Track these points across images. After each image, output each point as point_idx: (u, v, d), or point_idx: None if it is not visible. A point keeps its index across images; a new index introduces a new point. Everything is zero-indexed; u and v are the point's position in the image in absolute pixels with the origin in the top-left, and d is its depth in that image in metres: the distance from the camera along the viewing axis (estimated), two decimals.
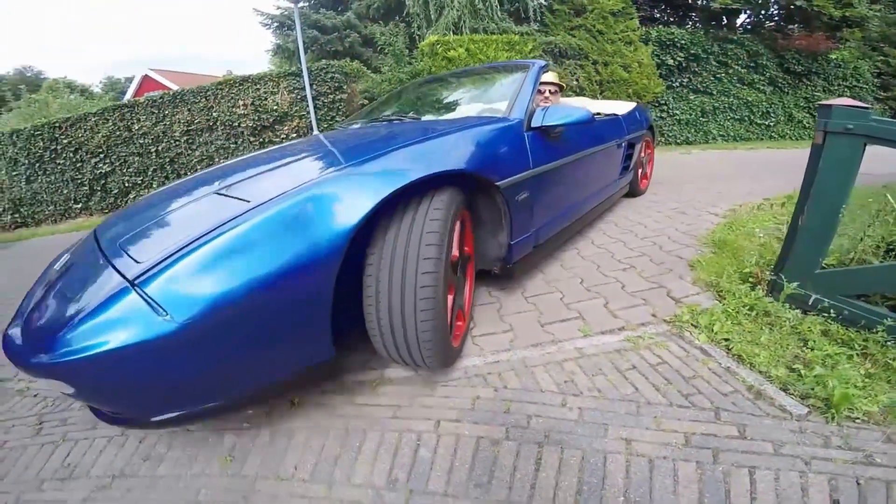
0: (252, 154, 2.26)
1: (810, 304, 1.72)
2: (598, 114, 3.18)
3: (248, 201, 1.16)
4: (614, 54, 7.36)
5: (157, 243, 1.14)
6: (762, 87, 8.40)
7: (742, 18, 9.33)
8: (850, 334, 1.57)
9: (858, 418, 1.24)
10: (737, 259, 2.25)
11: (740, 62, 8.14)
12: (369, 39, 8.44)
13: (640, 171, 3.82)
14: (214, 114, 7.22)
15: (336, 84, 6.82)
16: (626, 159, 3.34)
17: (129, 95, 19.36)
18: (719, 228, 2.87)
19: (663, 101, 7.94)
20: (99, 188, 7.87)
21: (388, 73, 6.75)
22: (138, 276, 0.99)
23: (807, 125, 8.52)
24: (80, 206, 7.98)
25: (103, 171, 7.73)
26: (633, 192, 3.82)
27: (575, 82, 7.35)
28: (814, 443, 1.18)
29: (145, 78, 19.20)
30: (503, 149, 1.78)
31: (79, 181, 7.84)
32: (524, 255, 1.98)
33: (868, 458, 1.11)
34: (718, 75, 8.19)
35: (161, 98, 7.40)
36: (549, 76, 3.01)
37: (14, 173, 8.05)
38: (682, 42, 7.77)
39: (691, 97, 8.13)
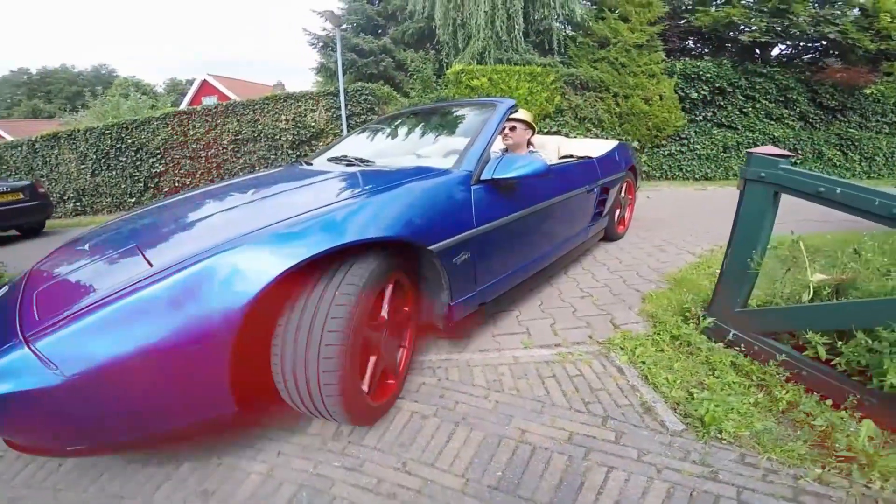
0: (192, 193, 2.22)
1: (730, 338, 1.90)
2: (571, 156, 3.10)
3: (152, 265, 1.22)
4: (636, 87, 7.53)
5: (62, 299, 1.24)
6: (791, 123, 8.28)
7: (777, 51, 9.24)
8: (754, 367, 1.74)
9: (725, 439, 1.41)
10: (685, 296, 2.43)
11: (769, 96, 8.08)
12: (402, 64, 9.00)
13: (617, 214, 3.67)
14: (259, 126, 7.91)
15: (368, 105, 7.36)
16: (600, 204, 3.17)
17: (188, 98, 21.06)
18: (688, 267, 3.03)
19: (684, 135, 7.99)
20: (152, 185, 8.73)
21: (415, 97, 7.21)
22: (33, 333, 1.09)
23: (837, 163, 8.29)
24: (133, 200, 8.86)
25: (158, 171, 8.60)
26: (610, 236, 3.65)
27: (594, 114, 7.56)
28: (673, 455, 1.37)
29: (203, 82, 20.82)
30: (441, 207, 1.68)
31: (136, 178, 8.74)
32: (469, 313, 1.89)
33: (713, 473, 1.28)
34: (745, 109, 8.16)
35: (215, 108, 8.20)
36: (521, 114, 2.84)
37: (82, 166, 9.06)
38: (708, 75, 7.83)
39: (714, 131, 8.13)
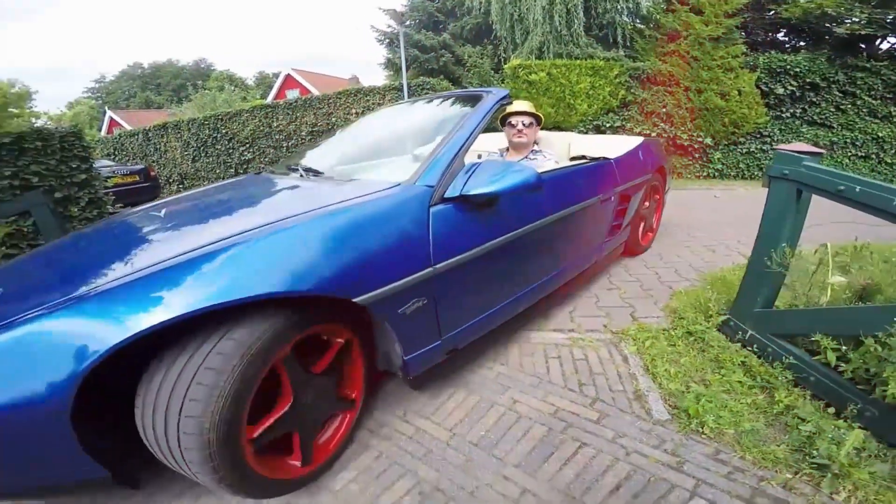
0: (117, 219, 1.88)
1: (746, 339, 1.86)
2: (583, 157, 2.55)
3: None
4: (710, 81, 7.03)
5: None
6: None
7: (888, 45, 8.12)
8: (762, 368, 1.71)
9: (705, 434, 1.42)
10: (712, 295, 2.36)
11: (873, 92, 7.15)
12: (461, 59, 9.17)
13: (642, 224, 3.13)
14: (333, 118, 8.51)
15: None
16: (619, 216, 2.66)
17: (274, 91, 22.90)
18: (731, 269, 2.88)
19: (766, 133, 7.33)
20: (242, 172, 9.75)
21: None
22: None
23: None
24: None
25: (247, 158, 9.59)
26: (631, 250, 3.12)
27: (663, 109, 7.20)
28: (647, 442, 1.41)
29: (287, 77, 22.49)
30: (378, 242, 1.26)
31: (228, 164, 9.82)
32: (433, 364, 1.55)
33: (679, 464, 1.31)
34: (843, 106, 7.29)
35: (295, 102, 8.96)
36: (523, 105, 2.52)
37: (185, 153, 10.33)
38: (797, 69, 7.10)
39: (803, 129, 7.36)
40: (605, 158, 2.51)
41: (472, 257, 1.52)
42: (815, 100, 7.37)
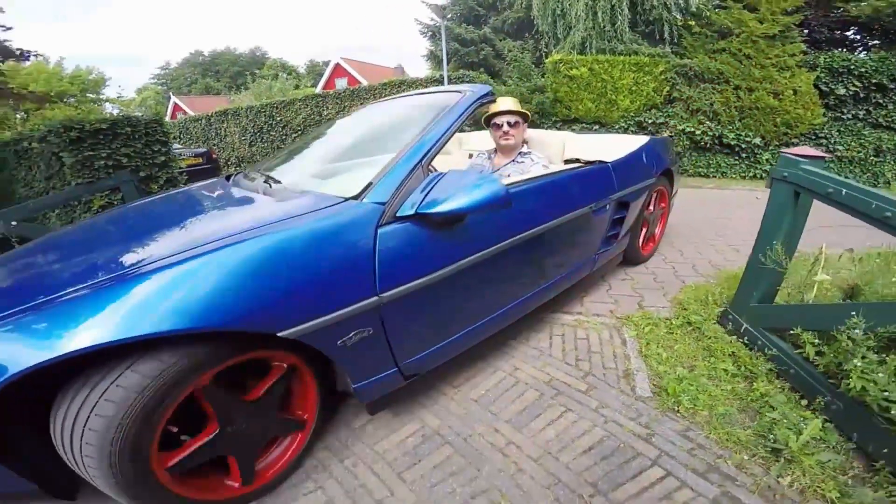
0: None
1: (741, 331, 1.99)
2: (576, 160, 2.37)
3: None
4: (763, 80, 6.75)
5: None
6: None
7: None
8: (748, 359, 1.84)
9: (680, 413, 1.59)
10: (719, 289, 2.46)
11: None
12: (501, 53, 9.24)
13: (644, 231, 2.93)
14: None
15: None
16: (616, 225, 2.46)
17: (324, 79, 23.76)
18: None
19: (823, 135, 6.96)
20: None
21: (511, 86, 7.45)
22: None
23: None
24: None
25: None
26: (632, 258, 2.92)
27: (709, 107, 7.00)
28: (626, 414, 1.60)
29: (336, 66, 23.23)
30: (310, 271, 1.14)
31: (264, 153, 10.44)
32: (393, 389, 1.48)
33: (649, 435, 1.48)
34: None
35: (343, 92, 9.42)
36: (507, 103, 2.28)
37: (242, 138, 11.09)
38: (863, 70, 6.68)
39: (866, 132, 6.93)
40: (601, 162, 2.30)
41: (430, 282, 1.36)
42: (881, 101, 6.91)
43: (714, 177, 7.21)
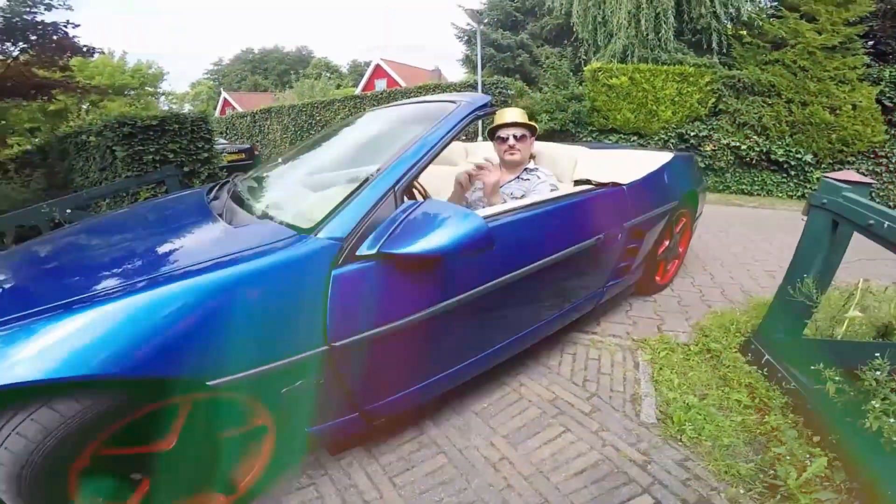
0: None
1: (762, 362, 1.90)
2: (587, 182, 2.07)
3: None
4: (818, 94, 6.35)
5: None
6: None
7: None
8: (764, 391, 1.76)
9: (683, 442, 1.54)
10: (746, 317, 2.34)
11: None
12: (538, 59, 9.13)
13: (666, 259, 2.71)
14: None
15: (502, 98, 7.78)
16: (627, 256, 2.19)
17: (364, 79, 24.36)
18: None
19: (883, 153, 6.48)
20: None
21: (547, 93, 7.36)
22: None
23: None
24: None
25: None
26: (645, 289, 2.70)
27: (757, 120, 6.65)
28: (625, 438, 1.56)
29: (377, 66, 23.71)
30: (246, 316, 1.03)
31: None
32: (356, 432, 1.39)
33: (645, 462, 1.45)
34: None
35: (380, 94, 9.64)
36: (513, 114, 2.05)
37: (284, 135, 11.53)
38: None
39: None
40: (614, 184, 2.05)
41: (397, 329, 1.21)
42: None
43: (758, 195, 6.85)
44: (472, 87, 8.03)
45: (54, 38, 7.90)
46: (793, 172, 6.75)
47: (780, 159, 6.67)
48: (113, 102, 11.89)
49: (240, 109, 24.12)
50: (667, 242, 2.64)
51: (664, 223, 2.42)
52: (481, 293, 1.42)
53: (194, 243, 1.35)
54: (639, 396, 1.79)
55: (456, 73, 25.34)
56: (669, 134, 7.11)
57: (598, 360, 2.06)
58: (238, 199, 1.60)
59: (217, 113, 27.51)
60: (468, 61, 10.97)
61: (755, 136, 6.79)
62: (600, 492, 1.34)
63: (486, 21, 9.78)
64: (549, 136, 7.51)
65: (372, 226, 1.17)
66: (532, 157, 2.24)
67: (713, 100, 6.96)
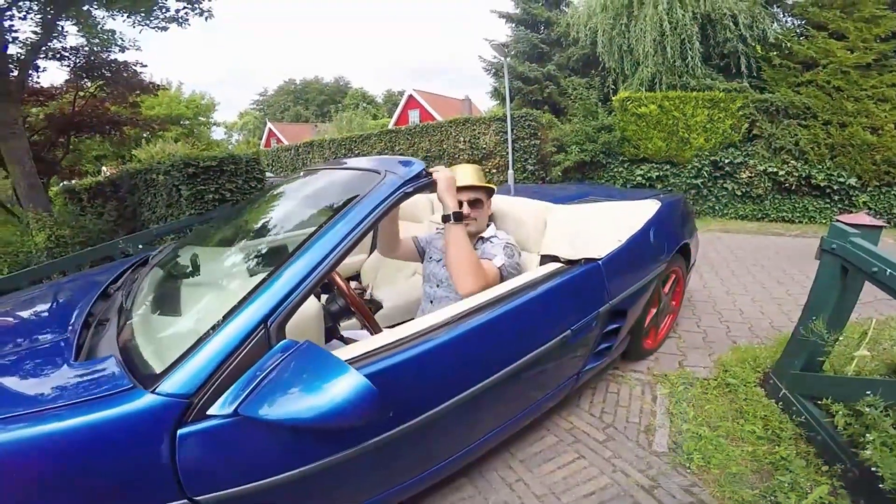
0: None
1: (779, 396, 1.96)
2: (555, 259, 1.75)
3: None
4: (857, 114, 6.18)
5: None
6: None
7: None
8: (778, 423, 1.82)
9: (691, 469, 1.63)
10: (767, 353, 2.38)
11: None
12: (566, 90, 9.33)
13: (650, 323, 2.38)
14: (444, 145, 9.40)
15: (532, 131, 8.03)
16: (608, 337, 1.94)
17: (399, 109, 25.44)
18: None
19: None
20: None
21: (576, 124, 7.53)
22: None
23: None
24: None
25: None
26: (632, 356, 2.39)
27: (793, 144, 6.53)
28: (636, 465, 1.67)
29: (410, 97, 24.69)
30: (57, 487, 0.83)
31: None
32: None
33: (652, 487, 1.55)
34: None
35: (414, 128, 10.12)
36: (465, 174, 1.74)
37: None
38: None
39: None
40: (588, 260, 1.74)
41: (281, 483, 0.98)
42: None
43: (800, 222, 6.64)
44: (501, 120, 8.33)
45: (124, 75, 8.90)
46: (836, 197, 6.54)
47: (822, 184, 6.48)
48: (169, 133, 12.96)
49: (284, 140, 25.74)
50: (654, 310, 2.36)
51: (651, 290, 2.15)
52: (408, 430, 1.15)
53: (34, 379, 1.06)
54: (653, 427, 1.89)
55: (486, 103, 25.94)
56: (703, 161, 7.08)
57: (618, 394, 2.16)
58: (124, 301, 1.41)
59: (262, 143, 29.33)
60: (497, 94, 11.34)
61: (793, 161, 6.65)
62: None
63: (512, 53, 10.11)
64: (579, 167, 7.65)
65: (233, 374, 0.92)
66: (490, 219, 1.90)
67: (746, 125, 6.90)
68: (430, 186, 1.39)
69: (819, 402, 1.76)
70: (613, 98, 7.42)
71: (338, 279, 1.56)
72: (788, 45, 6.86)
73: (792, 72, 6.80)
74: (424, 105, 23.64)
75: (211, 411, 0.89)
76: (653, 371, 2.36)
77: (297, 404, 0.85)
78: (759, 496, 1.47)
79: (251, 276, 1.26)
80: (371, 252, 2.81)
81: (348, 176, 1.57)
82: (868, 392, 1.38)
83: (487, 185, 1.80)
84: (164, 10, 7.53)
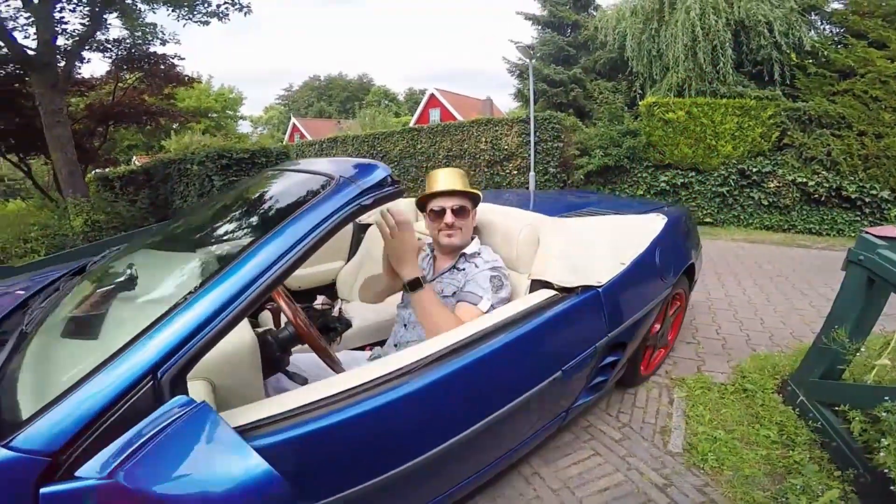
0: None
1: (797, 403, 1.98)
2: (547, 285, 1.53)
3: None
4: (894, 124, 6.01)
5: None
6: None
7: None
8: (793, 428, 1.84)
9: (704, 469, 1.67)
10: (794, 363, 2.38)
11: None
12: (592, 94, 9.25)
13: (648, 350, 2.25)
14: (465, 145, 9.44)
15: (555, 133, 8.01)
16: (604, 371, 1.75)
17: (420, 108, 25.54)
18: None
19: None
20: None
21: (601, 128, 7.49)
22: None
23: None
24: None
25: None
26: (627, 382, 2.20)
27: (825, 155, 6.37)
28: (650, 464, 1.71)
29: (431, 96, 24.76)
30: None
31: None
32: None
33: (665, 485, 1.60)
34: None
35: (435, 127, 10.18)
36: (448, 178, 1.54)
37: None
38: None
39: None
40: (586, 288, 1.53)
41: None
42: None
43: (828, 234, 6.49)
44: (524, 121, 8.33)
45: (161, 67, 9.22)
46: (867, 210, 6.36)
47: (853, 196, 6.32)
48: (199, 125, 13.35)
49: (307, 135, 26.17)
50: (658, 326, 2.20)
51: (655, 314, 1.98)
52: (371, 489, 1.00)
53: None
54: (668, 429, 1.93)
55: (507, 103, 25.80)
56: (730, 169, 6.96)
57: (635, 395, 2.20)
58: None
59: (286, 138, 29.84)
60: (520, 95, 11.32)
61: (824, 172, 6.50)
62: None
63: (537, 55, 10.06)
64: (603, 172, 7.61)
65: (113, 430, 0.74)
66: (475, 231, 1.70)
67: (777, 133, 6.77)
68: (396, 196, 1.10)
69: (836, 408, 1.77)
70: (640, 103, 7.35)
71: (283, 304, 1.27)
72: (825, 53, 6.70)
73: (828, 80, 6.64)
74: (445, 104, 23.69)
75: (81, 472, 0.70)
76: (670, 375, 2.39)
77: (180, 482, 0.71)
78: (771, 498, 1.51)
79: (157, 303, 0.94)
80: (349, 259, 2.64)
81: (300, 180, 1.25)
82: (886, 398, 1.39)
83: (473, 190, 1.58)
84: (206, 5, 7.79)
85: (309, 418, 0.92)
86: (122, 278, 1.35)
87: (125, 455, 0.70)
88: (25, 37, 7.06)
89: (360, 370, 1.09)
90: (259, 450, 0.75)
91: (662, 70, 7.76)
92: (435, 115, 23.37)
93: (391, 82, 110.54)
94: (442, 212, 1.52)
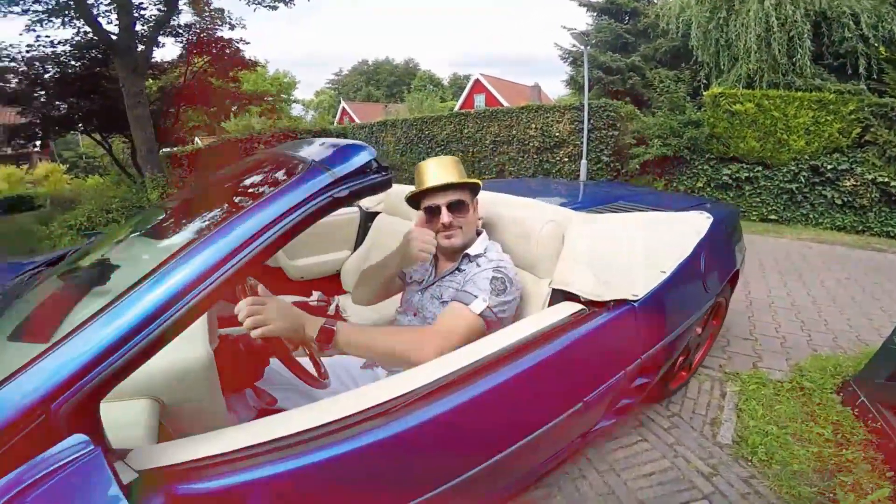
0: None
1: (857, 404, 1.95)
2: (571, 297, 1.32)
3: None
4: None
5: None
6: None
7: None
8: (849, 429, 1.82)
9: (752, 462, 1.68)
10: (858, 366, 2.30)
11: None
12: (651, 82, 8.86)
13: (680, 362, 2.01)
14: (513, 131, 9.37)
15: (610, 121, 7.80)
16: (632, 393, 1.55)
17: (464, 94, 25.38)
18: None
19: None
20: None
21: (660, 117, 7.19)
22: None
23: None
24: None
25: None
26: (657, 395, 2.00)
27: None
28: (697, 453, 1.74)
29: (476, 81, 24.49)
30: None
31: (411, 163, 11.64)
32: None
33: (711, 474, 1.62)
34: None
35: (483, 112, 10.16)
36: (440, 171, 1.33)
37: (396, 147, 12.58)
38: None
39: None
40: (619, 302, 1.29)
41: None
42: None
43: None
44: (577, 108, 8.15)
45: (227, 51, 9.73)
46: None
47: None
48: (257, 108, 13.93)
49: (356, 118, 26.70)
50: (700, 330, 2.03)
51: (692, 329, 1.77)
52: None
53: None
54: (719, 421, 1.95)
55: (556, 91, 24.95)
56: (801, 165, 6.53)
57: (686, 386, 2.21)
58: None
59: (336, 121, 30.55)
60: (573, 82, 10.99)
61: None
62: (663, 492, 1.57)
63: (592, 42, 9.72)
64: (660, 162, 7.35)
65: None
66: (484, 227, 1.49)
67: (858, 130, 6.25)
68: (383, 186, 0.91)
69: None
70: (705, 93, 6.99)
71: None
72: None
73: None
74: (491, 90, 23.36)
75: None
76: (724, 368, 2.38)
77: None
78: (818, 493, 1.51)
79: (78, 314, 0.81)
80: (355, 249, 2.44)
81: (272, 166, 1.07)
82: None
83: (471, 180, 1.37)
84: None
85: (251, 464, 0.74)
86: (65, 281, 1.19)
87: (7, 498, 0.58)
88: (108, 23, 7.67)
89: (334, 401, 0.89)
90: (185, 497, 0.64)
91: (731, 60, 7.31)
92: (480, 100, 23.13)
93: (436, 67, 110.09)
94: (437, 210, 1.32)
